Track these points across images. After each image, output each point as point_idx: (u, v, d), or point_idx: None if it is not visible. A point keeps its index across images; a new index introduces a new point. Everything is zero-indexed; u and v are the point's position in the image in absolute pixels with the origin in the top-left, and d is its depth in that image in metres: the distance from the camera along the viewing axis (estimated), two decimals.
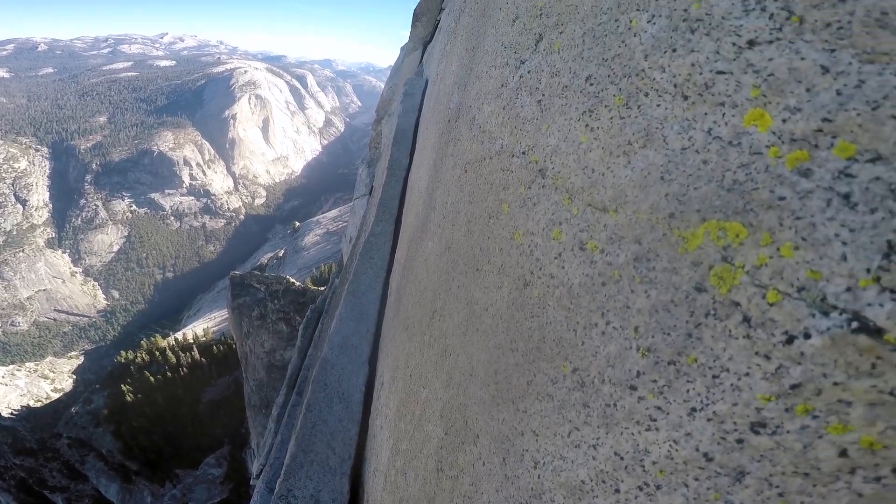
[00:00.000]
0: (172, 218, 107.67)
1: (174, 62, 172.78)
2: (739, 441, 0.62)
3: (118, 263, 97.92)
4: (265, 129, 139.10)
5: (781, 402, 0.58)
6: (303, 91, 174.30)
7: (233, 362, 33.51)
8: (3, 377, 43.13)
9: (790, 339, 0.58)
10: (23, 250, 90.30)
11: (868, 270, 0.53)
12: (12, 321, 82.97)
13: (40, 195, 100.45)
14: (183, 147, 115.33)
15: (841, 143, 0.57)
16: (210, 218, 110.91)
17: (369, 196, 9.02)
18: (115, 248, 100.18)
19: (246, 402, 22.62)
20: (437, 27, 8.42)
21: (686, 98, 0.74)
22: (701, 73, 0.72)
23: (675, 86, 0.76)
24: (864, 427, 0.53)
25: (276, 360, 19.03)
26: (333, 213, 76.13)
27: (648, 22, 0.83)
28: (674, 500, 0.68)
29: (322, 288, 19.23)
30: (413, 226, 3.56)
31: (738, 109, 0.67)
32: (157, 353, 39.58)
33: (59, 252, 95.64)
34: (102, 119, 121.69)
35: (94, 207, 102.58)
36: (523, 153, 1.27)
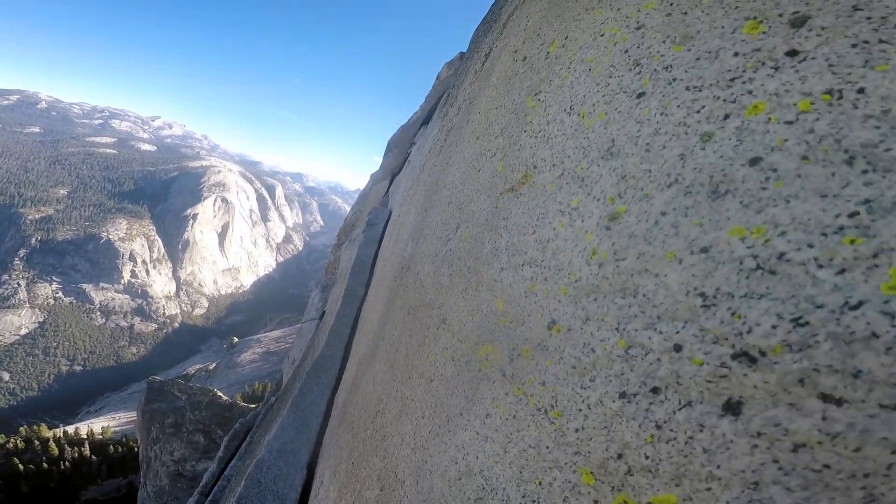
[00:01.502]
0: (99, 313, 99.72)
1: (155, 147, 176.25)
2: None
3: (21, 347, 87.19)
4: (223, 234, 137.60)
5: None
6: (269, 202, 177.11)
7: (131, 465, 29.49)
8: None
9: None
10: None
11: None
12: None
13: None
14: (134, 239, 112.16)
15: None
16: (140, 320, 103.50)
17: (319, 321, 9.26)
18: (23, 331, 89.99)
19: None
20: (406, 160, 8.84)
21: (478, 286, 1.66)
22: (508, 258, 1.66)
23: (494, 283, 1.68)
24: None
25: (186, 471, 17.03)
26: (277, 333, 73.35)
27: (495, 240, 1.79)
28: None
29: (252, 405, 18.19)
30: (363, 352, 4.14)
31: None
32: (37, 443, 34.74)
33: None
34: (62, 192, 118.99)
35: (14, 287, 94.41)
36: (438, 307, 2.11)
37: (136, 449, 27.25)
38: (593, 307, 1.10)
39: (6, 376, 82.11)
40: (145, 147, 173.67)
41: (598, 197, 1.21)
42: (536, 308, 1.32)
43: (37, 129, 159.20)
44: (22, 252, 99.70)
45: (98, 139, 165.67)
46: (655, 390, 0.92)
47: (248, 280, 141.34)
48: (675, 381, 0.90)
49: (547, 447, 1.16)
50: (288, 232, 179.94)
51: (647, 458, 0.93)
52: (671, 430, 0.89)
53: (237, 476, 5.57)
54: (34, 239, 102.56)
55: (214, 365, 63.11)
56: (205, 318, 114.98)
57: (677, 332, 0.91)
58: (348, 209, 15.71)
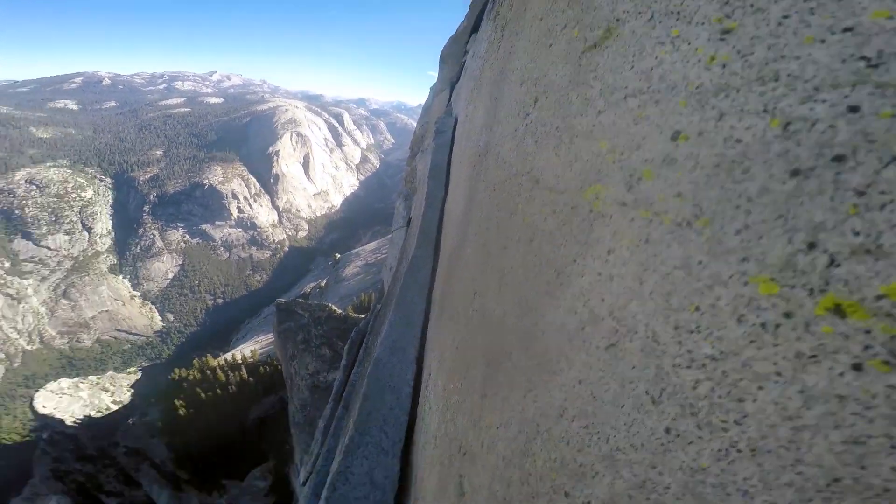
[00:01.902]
0: (222, 248, 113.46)
1: (222, 99, 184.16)
2: None
3: (173, 289, 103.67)
4: (306, 165, 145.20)
5: None
6: (340, 129, 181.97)
7: (278, 382, 34.85)
8: (68, 388, 45.95)
9: None
10: (88, 274, 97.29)
11: None
12: (77, 338, 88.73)
13: (104, 223, 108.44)
14: (231, 181, 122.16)
15: None
16: (256, 249, 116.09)
17: (407, 227, 9.63)
18: (170, 275, 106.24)
19: (290, 420, 23.47)
20: (462, 68, 8.91)
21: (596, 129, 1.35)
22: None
23: (591, 128, 1.36)
24: None
25: (320, 382, 19.84)
26: (372, 245, 78.32)
27: (585, 92, 1.45)
28: None
29: (362, 315, 20.06)
30: (451, 245, 4.20)
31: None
32: (208, 372, 41.56)
33: (120, 277, 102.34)
34: (159, 152, 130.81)
35: (151, 237, 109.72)
36: (527, 173, 1.99)
37: (279, 367, 31.66)
38: (726, 103, 0.99)
39: (171, 317, 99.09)
40: (213, 101, 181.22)
41: (700, 22, 1.10)
42: (652, 128, 1.19)
43: (113, 104, 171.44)
44: (146, 208, 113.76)
45: (169, 102, 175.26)
46: (839, 157, 0.78)
47: (337, 200, 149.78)
48: (866, 141, 0.76)
49: (700, 262, 0.96)
50: (363, 153, 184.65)
51: (856, 233, 0.74)
52: (882, 192, 0.72)
53: (360, 379, 6.23)
54: (151, 195, 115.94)
55: (325, 282, 69.98)
56: (308, 240, 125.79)
57: (846, 97, 0.80)
58: (414, 124, 15.43)
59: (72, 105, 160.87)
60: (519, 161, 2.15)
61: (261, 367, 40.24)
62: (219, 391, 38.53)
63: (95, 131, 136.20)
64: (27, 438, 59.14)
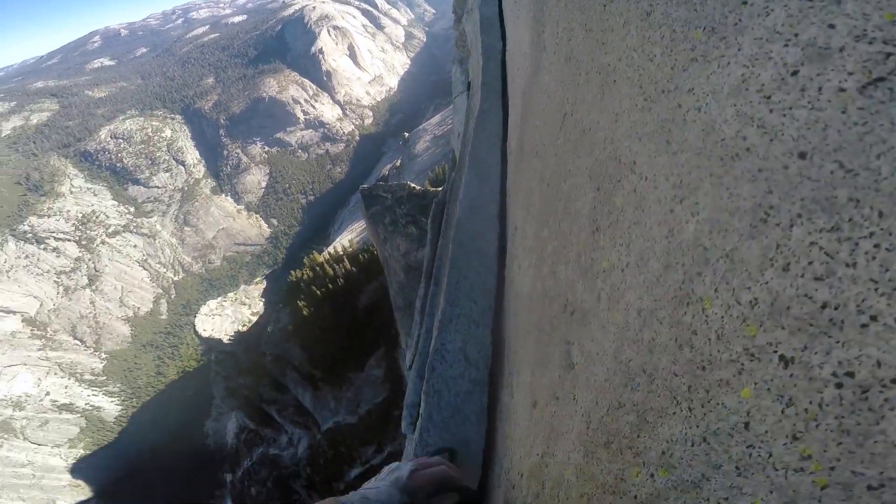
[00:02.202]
0: (300, 151, 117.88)
1: (244, 16, 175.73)
2: None
3: (269, 196, 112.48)
4: (353, 55, 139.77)
5: None
6: (375, 12, 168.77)
7: (376, 268, 36.11)
8: (216, 309, 53.29)
9: None
10: (197, 200, 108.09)
11: None
12: (208, 259, 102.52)
13: (192, 154, 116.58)
14: (287, 88, 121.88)
15: None
16: (330, 144, 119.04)
17: (467, 91, 9.08)
18: (263, 184, 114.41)
19: (392, 304, 25.26)
20: None
21: None
22: None
23: None
24: None
25: (412, 262, 20.73)
26: (436, 118, 75.54)
27: None
28: None
29: (440, 188, 19.80)
30: (522, 83, 3.62)
31: None
32: (318, 268, 44.06)
33: (223, 196, 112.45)
34: (210, 80, 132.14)
35: (235, 155, 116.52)
36: None
37: (376, 253, 32.78)
38: None
39: (275, 222, 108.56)
40: (236, 20, 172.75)
41: None
42: None
43: (144, 49, 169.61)
44: (221, 131, 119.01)
45: (195, 33, 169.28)
46: None
47: (393, 82, 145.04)
48: None
49: None
50: (406, 30, 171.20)
51: None
52: None
53: (444, 249, 5.98)
54: (221, 119, 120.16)
55: (399, 161, 70.31)
56: (375, 126, 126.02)
57: None
58: None
59: (107, 62, 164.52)
60: None
61: (360, 255, 42.08)
62: (329, 286, 41.03)
63: (143, 78, 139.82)
64: (202, 362, 71.32)
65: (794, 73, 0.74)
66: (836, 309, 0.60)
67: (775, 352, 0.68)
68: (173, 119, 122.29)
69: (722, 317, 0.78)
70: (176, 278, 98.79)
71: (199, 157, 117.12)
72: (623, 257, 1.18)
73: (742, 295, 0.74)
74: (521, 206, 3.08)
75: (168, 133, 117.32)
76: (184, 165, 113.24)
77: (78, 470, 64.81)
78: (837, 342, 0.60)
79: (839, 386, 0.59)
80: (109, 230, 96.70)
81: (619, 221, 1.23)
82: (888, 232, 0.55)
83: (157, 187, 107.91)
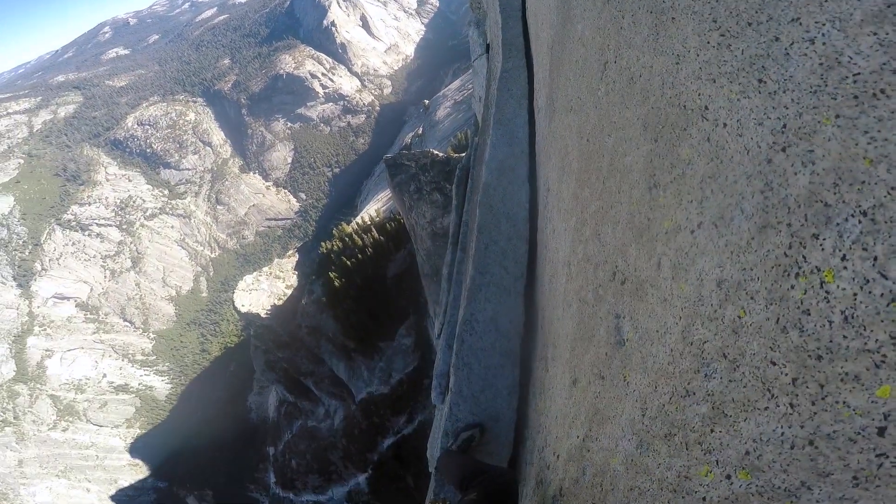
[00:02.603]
0: (322, 125, 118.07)
1: None
2: None
3: (296, 171, 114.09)
4: (366, 25, 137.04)
5: None
6: None
7: (403, 237, 36.13)
8: (252, 283, 54.60)
9: None
10: (227, 179, 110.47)
11: None
12: (242, 235, 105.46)
13: (217, 135, 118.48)
14: (304, 64, 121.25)
15: None
16: (352, 116, 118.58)
17: (487, 53, 8.89)
18: (289, 159, 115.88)
19: (420, 271, 25.26)
20: None
21: None
22: None
23: None
24: None
25: (438, 229, 20.54)
26: (456, 83, 73.50)
27: None
28: None
29: (462, 154, 19.35)
30: (549, 37, 3.38)
31: None
32: (347, 239, 44.51)
33: (251, 174, 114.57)
34: (226, 61, 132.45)
35: (259, 133, 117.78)
36: None
37: (402, 221, 32.54)
38: None
39: (303, 196, 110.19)
40: (242, 0, 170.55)
41: None
42: None
43: (156, 36, 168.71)
44: (243, 111, 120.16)
45: (204, 16, 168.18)
46: None
47: (409, 50, 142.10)
48: None
49: None
50: None
51: None
52: None
53: (471, 215, 5.76)
54: (241, 99, 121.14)
55: (421, 129, 69.28)
56: (394, 95, 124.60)
57: None
58: None
59: (122, 51, 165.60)
60: None
61: (387, 225, 42.17)
62: (359, 256, 41.51)
63: (160, 64, 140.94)
64: (242, 337, 73.64)
65: None
66: None
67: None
68: (195, 102, 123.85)
69: (855, 294, 0.58)
70: (213, 256, 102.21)
71: (224, 137, 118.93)
72: (693, 216, 0.97)
73: (890, 265, 0.54)
74: (554, 166, 2.83)
75: (192, 116, 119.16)
76: (210, 146, 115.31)
77: (136, 449, 68.85)
78: None
79: None
80: (147, 213, 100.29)
81: (685, 175, 1.02)
82: None
83: (188, 169, 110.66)
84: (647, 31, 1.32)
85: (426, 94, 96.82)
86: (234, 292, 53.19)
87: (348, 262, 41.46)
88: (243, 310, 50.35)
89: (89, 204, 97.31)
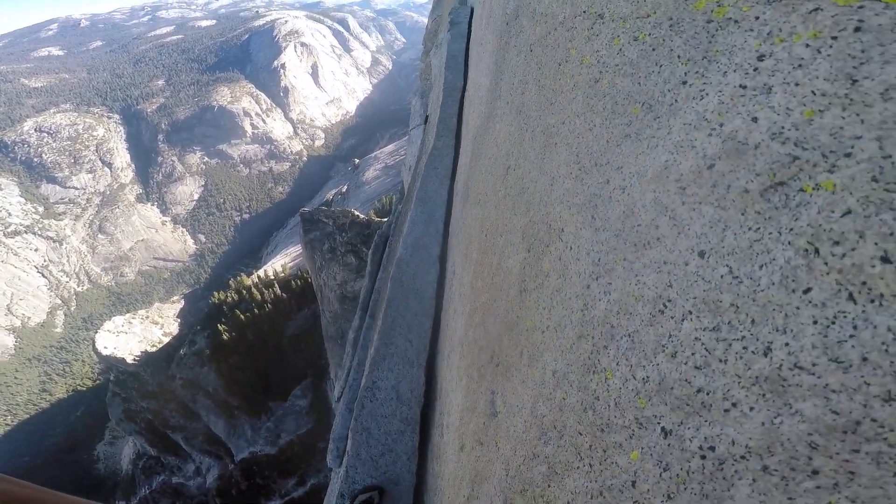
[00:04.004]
0: (241, 165, 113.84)
1: (214, 21, 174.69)
2: None
3: (200, 210, 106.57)
4: (315, 74, 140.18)
5: None
6: (346, 34, 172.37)
7: (310, 296, 35.08)
8: (122, 325, 48.51)
9: None
10: (118, 207, 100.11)
11: None
12: (121, 272, 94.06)
13: (122, 157, 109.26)
14: (240, 99, 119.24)
15: None
16: (275, 162, 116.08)
17: (425, 124, 9.22)
18: (196, 196, 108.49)
19: (323, 333, 24.31)
20: None
21: None
22: None
23: None
24: None
25: (348, 292, 20.22)
26: (390, 147, 76.33)
27: None
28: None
29: (385, 219, 19.74)
30: (475, 127, 3.72)
31: None
32: (244, 292, 41.96)
33: (149, 205, 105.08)
34: (160, 82, 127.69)
35: (171, 163, 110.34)
36: (583, 12, 1.44)
37: (310, 280, 31.64)
38: None
39: (202, 238, 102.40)
40: (205, 24, 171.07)
41: None
42: None
43: (99, 43, 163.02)
44: (160, 136, 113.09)
45: (158, 32, 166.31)
46: None
47: (351, 106, 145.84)
48: None
49: None
50: (373, 55, 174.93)
51: None
52: None
53: (384, 285, 5.97)
54: (162, 124, 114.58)
55: (346, 187, 69.58)
56: (325, 148, 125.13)
57: None
58: (425, 20, 13.90)
59: (56, 51, 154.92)
60: (567, 5, 1.59)
61: (292, 282, 40.65)
62: (256, 310, 39.24)
63: (89, 72, 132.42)
64: (98, 382, 64.64)
65: (711, 167, 0.80)
66: (707, 394, 0.72)
67: (658, 423, 0.79)
68: (110, 118, 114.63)
69: (620, 387, 0.89)
70: (79, 289, 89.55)
71: (129, 160, 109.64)
72: (544, 320, 1.29)
73: (638, 371, 0.86)
74: (461, 253, 3.19)
75: (101, 132, 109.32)
76: (110, 168, 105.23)
77: None
78: (706, 421, 0.71)
79: (703, 457, 0.70)
80: (9, 229, 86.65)
81: (543, 286, 1.35)
82: (755, 337, 0.66)
83: (76, 188, 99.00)
84: (538, 149, 1.67)
85: (359, 153, 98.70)
86: (97, 332, 46.68)
87: (242, 316, 38.83)
88: (105, 352, 43.99)
89: None
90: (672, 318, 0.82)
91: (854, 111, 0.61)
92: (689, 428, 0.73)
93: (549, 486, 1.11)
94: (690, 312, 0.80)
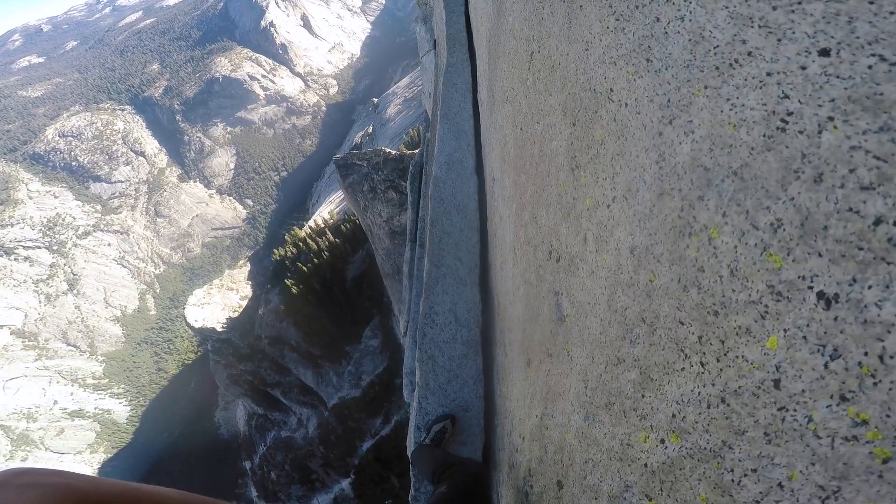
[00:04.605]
0: (265, 128, 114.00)
1: None
2: None
3: (240, 177, 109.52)
4: (307, 25, 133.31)
5: None
6: None
7: (361, 237, 35.41)
8: (203, 297, 52.17)
9: None
10: (165, 190, 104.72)
11: None
12: (188, 248, 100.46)
13: (151, 144, 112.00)
14: (241, 66, 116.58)
15: None
16: (296, 118, 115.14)
17: (434, 49, 9.00)
18: (232, 165, 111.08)
19: (381, 271, 25.00)
20: None
21: None
22: None
23: None
24: None
25: (395, 227, 20.39)
26: (405, 80, 72.96)
27: None
28: None
29: (416, 150, 19.24)
30: (487, 30, 3.45)
31: None
32: (301, 244, 43.04)
33: (192, 182, 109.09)
34: (155, 66, 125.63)
35: (198, 140, 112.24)
36: None
37: (358, 222, 31.89)
38: None
39: (250, 203, 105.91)
40: (171, 2, 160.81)
41: None
42: None
43: (74, 43, 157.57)
44: (178, 117, 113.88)
45: (128, 20, 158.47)
46: None
47: (354, 48, 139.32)
48: None
49: None
50: None
51: None
52: None
53: (426, 209, 5.83)
54: (175, 105, 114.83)
55: (371, 128, 68.33)
56: (341, 94, 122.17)
57: None
58: None
59: (35, 59, 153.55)
60: None
61: (342, 226, 41.15)
62: (315, 260, 40.29)
63: (80, 72, 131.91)
64: (199, 353, 70.70)
65: None
66: (895, 225, 0.45)
67: (810, 287, 0.54)
68: (123, 110, 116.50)
69: (735, 247, 0.64)
70: (157, 272, 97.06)
71: (158, 145, 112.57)
72: (608, 192, 1.02)
73: (759, 217, 0.60)
74: (497, 156, 2.90)
75: (120, 125, 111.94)
76: (144, 156, 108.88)
77: (105, 474, 65.39)
78: None
79: None
80: (79, 231, 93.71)
81: (599, 155, 1.07)
82: None
83: (121, 181, 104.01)
84: (562, 20, 1.38)
85: (375, 92, 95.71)
86: (184, 308, 50.84)
87: (304, 268, 40.31)
88: (197, 325, 48.05)
89: (12, 225, 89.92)
90: (801, 132, 0.55)
91: None
92: (869, 286, 0.48)
93: (642, 396, 0.91)
94: (831, 119, 0.52)
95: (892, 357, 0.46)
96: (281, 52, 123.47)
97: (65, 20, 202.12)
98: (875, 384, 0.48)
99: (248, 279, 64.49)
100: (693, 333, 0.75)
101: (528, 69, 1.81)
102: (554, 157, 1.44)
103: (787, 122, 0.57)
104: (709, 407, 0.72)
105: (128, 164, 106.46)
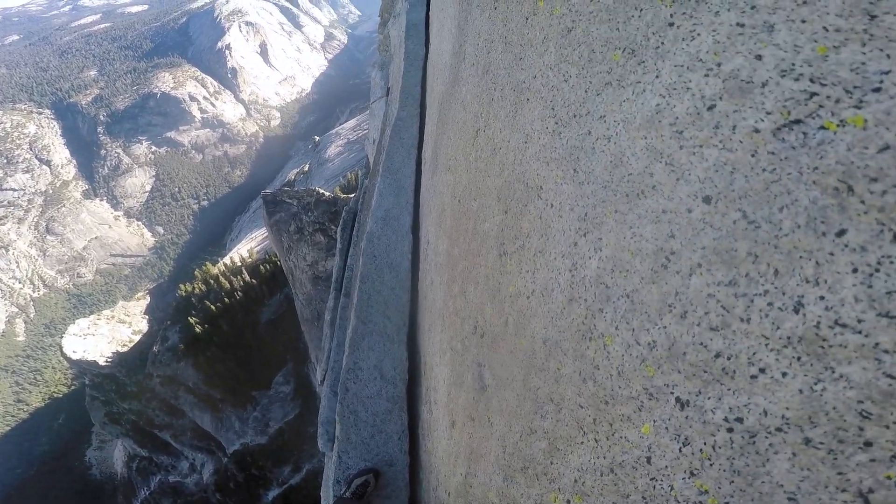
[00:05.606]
0: (194, 151, 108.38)
1: (146, 6, 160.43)
2: None
3: (154, 201, 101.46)
4: (264, 53, 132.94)
5: None
6: (295, 10, 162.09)
7: (281, 279, 34.24)
8: (88, 328, 46.48)
9: None
10: (63, 206, 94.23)
11: None
12: (77, 273, 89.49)
13: (60, 153, 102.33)
14: (184, 84, 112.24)
15: None
16: (230, 145, 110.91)
17: (387, 96, 9.08)
18: (147, 187, 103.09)
19: (299, 317, 23.93)
20: None
21: None
22: None
23: None
24: None
25: (320, 272, 19.82)
26: (351, 122, 73.79)
27: None
28: None
29: (351, 195, 19.23)
30: (441, 93, 3.66)
31: None
32: (212, 281, 40.49)
33: (98, 200, 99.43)
34: (92, 73, 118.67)
35: (115, 155, 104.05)
36: None
37: (279, 263, 30.77)
38: None
39: (160, 230, 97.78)
40: (136, 9, 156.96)
41: None
42: None
43: (17, 37, 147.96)
44: (100, 129, 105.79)
45: (82, 21, 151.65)
46: None
47: (306, 83, 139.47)
48: None
49: None
50: (327, 31, 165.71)
51: None
52: None
53: (356, 261, 5.83)
54: (101, 115, 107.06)
55: (308, 166, 67.42)
56: (283, 127, 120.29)
57: None
58: None
59: None
60: None
61: (261, 267, 39.47)
62: (227, 300, 38.03)
63: (8, 68, 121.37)
64: (73, 387, 62.57)
65: (711, 108, 0.72)
66: (728, 359, 0.63)
67: (672, 393, 0.71)
68: (40, 114, 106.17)
69: (622, 354, 0.81)
70: (35, 295, 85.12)
71: (69, 156, 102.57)
72: (529, 285, 1.19)
73: (642, 336, 0.77)
74: (434, 220, 3.07)
75: (32, 129, 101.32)
76: (49, 165, 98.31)
77: None
78: (729, 390, 0.63)
79: (730, 430, 0.62)
80: None
81: (525, 248, 1.25)
82: (782, 291, 0.57)
83: (13, 189, 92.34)
84: (509, 107, 1.58)
85: (318, 130, 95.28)
86: (62, 337, 44.73)
87: (213, 307, 37.66)
88: (75, 357, 42.37)
89: None
90: (678, 272, 0.73)
91: (877, 46, 0.52)
92: (709, 398, 0.65)
93: (551, 462, 1.05)
94: (699, 265, 0.70)
95: (720, 447, 0.63)
96: (230, 76, 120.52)
97: (17, 13, 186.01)
98: (710, 465, 0.64)
99: (145, 313, 58.73)
100: (590, 416, 0.90)
101: (473, 145, 2.01)
102: (486, 239, 1.61)
103: (669, 261, 0.76)
104: (601, 475, 0.86)
105: (27, 172, 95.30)
